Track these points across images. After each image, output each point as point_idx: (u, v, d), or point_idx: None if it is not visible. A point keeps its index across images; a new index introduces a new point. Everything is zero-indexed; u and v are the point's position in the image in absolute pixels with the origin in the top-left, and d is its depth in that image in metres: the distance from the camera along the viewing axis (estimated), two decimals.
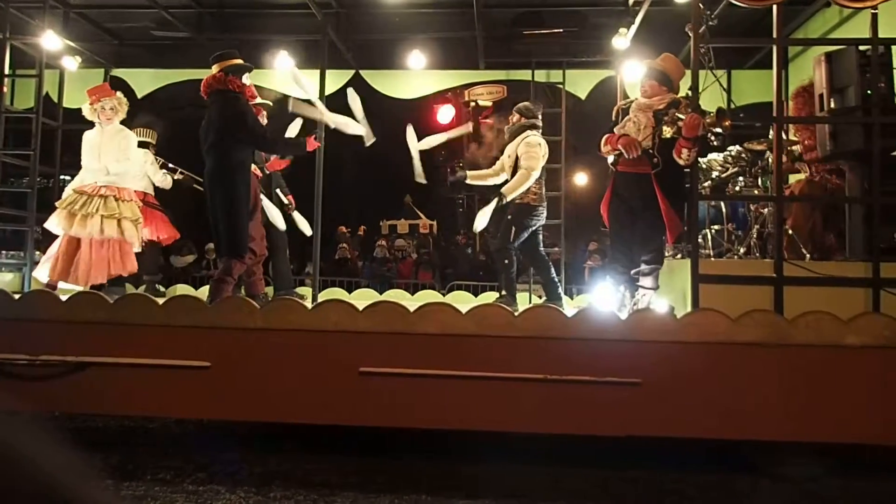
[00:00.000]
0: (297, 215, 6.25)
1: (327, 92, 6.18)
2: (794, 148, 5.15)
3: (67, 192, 5.50)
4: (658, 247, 4.58)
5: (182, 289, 7.08)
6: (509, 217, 5.43)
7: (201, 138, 4.69)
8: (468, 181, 5.93)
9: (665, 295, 4.61)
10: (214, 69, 4.73)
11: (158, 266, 6.98)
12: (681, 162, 4.20)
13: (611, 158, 4.77)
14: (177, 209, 6.84)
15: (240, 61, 4.81)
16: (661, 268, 4.62)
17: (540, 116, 5.70)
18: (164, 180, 6.41)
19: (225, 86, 4.63)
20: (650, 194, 4.40)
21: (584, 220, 11.69)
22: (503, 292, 5.65)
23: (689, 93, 4.19)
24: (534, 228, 5.54)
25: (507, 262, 5.47)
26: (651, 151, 4.43)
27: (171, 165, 6.53)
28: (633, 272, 4.63)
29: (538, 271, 5.88)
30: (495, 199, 5.44)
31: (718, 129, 4.09)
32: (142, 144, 6.37)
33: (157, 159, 6.41)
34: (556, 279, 5.69)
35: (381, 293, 7.10)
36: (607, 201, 4.75)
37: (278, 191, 6.18)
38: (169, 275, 10.03)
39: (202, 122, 4.71)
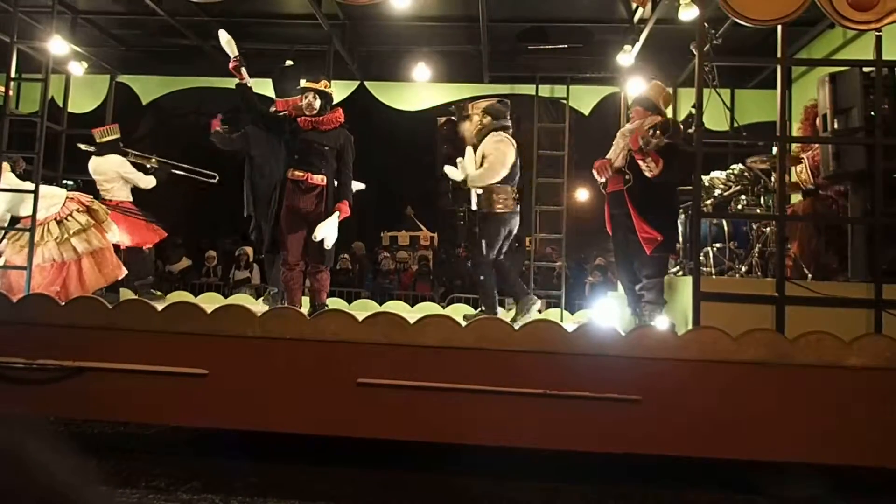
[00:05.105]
0: None
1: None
2: (796, 167, 5.16)
3: None
4: (653, 260, 4.60)
5: (180, 296, 7.03)
6: (477, 230, 5.34)
7: None
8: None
9: (666, 312, 4.60)
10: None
11: (149, 270, 6.82)
12: (647, 174, 4.41)
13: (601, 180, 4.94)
14: (171, 210, 6.71)
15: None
16: (662, 280, 4.67)
17: (509, 119, 5.46)
18: (149, 182, 6.22)
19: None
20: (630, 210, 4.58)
21: (586, 234, 11.69)
22: (481, 308, 5.45)
23: (693, 110, 4.22)
24: (504, 237, 5.34)
25: (482, 277, 5.30)
26: (623, 169, 4.64)
27: (144, 155, 6.34)
28: (637, 288, 4.68)
29: (498, 278, 5.47)
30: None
31: (656, 140, 4.32)
32: (110, 144, 6.14)
33: (128, 152, 6.20)
34: (519, 282, 5.56)
35: (380, 304, 7.09)
36: (608, 218, 4.89)
37: None
38: (168, 281, 9.99)
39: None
